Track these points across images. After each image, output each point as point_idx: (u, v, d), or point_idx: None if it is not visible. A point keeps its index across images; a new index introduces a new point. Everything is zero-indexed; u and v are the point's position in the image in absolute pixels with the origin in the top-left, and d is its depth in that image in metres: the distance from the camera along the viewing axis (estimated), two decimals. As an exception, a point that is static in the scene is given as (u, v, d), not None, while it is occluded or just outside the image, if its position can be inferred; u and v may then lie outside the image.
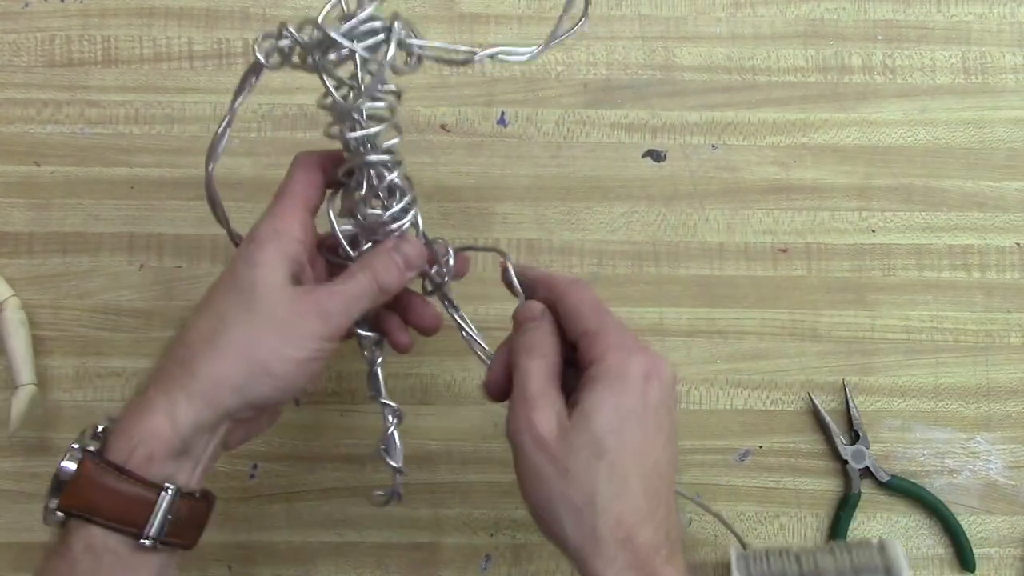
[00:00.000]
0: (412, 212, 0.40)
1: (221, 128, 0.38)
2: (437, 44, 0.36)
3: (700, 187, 0.54)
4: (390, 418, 0.41)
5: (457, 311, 0.43)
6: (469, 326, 0.43)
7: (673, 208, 0.54)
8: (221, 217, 0.41)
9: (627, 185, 0.54)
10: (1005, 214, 0.54)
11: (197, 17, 0.55)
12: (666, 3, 0.56)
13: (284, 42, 0.35)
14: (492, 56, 0.37)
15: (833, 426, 0.52)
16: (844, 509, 0.51)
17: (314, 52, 0.35)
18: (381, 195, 0.39)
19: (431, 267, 0.42)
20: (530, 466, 0.34)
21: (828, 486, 0.52)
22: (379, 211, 0.39)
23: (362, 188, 0.39)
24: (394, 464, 0.41)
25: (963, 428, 0.52)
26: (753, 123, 0.55)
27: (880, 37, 0.56)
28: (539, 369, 0.36)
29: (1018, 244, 0.54)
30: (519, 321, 0.39)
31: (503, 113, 0.55)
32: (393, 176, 0.38)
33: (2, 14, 0.55)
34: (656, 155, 0.55)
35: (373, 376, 0.42)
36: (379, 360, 0.42)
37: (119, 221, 0.53)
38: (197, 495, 0.36)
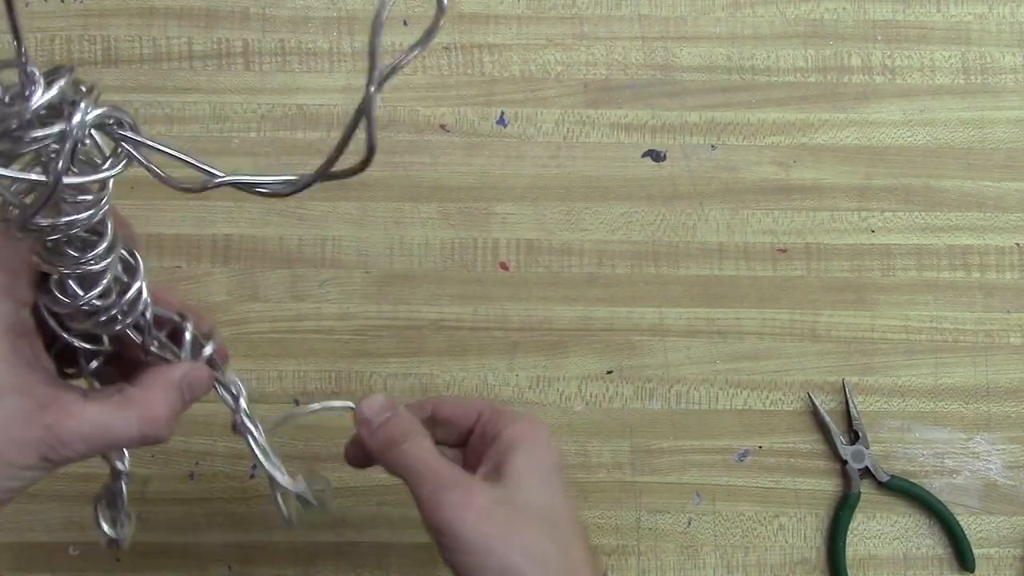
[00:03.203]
0: (141, 298, 0.32)
1: None
2: (158, 145, 0.27)
3: (700, 187, 0.54)
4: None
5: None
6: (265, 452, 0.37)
7: (673, 208, 0.54)
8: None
9: (627, 185, 0.54)
10: (1005, 214, 0.54)
11: (197, 17, 0.55)
12: (666, 3, 0.56)
13: None
14: (236, 184, 0.27)
15: (833, 426, 0.52)
16: (843, 509, 0.51)
17: None
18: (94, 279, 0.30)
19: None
20: (475, 544, 0.33)
21: (828, 486, 0.52)
22: (92, 299, 0.30)
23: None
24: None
25: (963, 428, 0.52)
26: (753, 123, 0.55)
27: (880, 37, 0.56)
28: (429, 449, 0.35)
29: (1018, 244, 0.54)
30: (367, 419, 0.36)
31: (503, 113, 0.55)
32: (104, 264, 0.30)
33: (2, 14, 0.54)
34: (656, 155, 0.55)
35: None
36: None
37: (119, 221, 0.53)
38: None
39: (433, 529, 0.34)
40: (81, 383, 0.34)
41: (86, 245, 0.29)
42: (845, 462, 0.51)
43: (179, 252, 0.53)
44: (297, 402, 0.52)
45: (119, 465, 0.38)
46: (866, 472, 0.51)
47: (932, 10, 0.56)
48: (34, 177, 0.25)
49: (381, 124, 0.54)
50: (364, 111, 0.23)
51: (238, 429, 0.37)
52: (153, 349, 0.34)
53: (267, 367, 0.52)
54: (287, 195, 0.27)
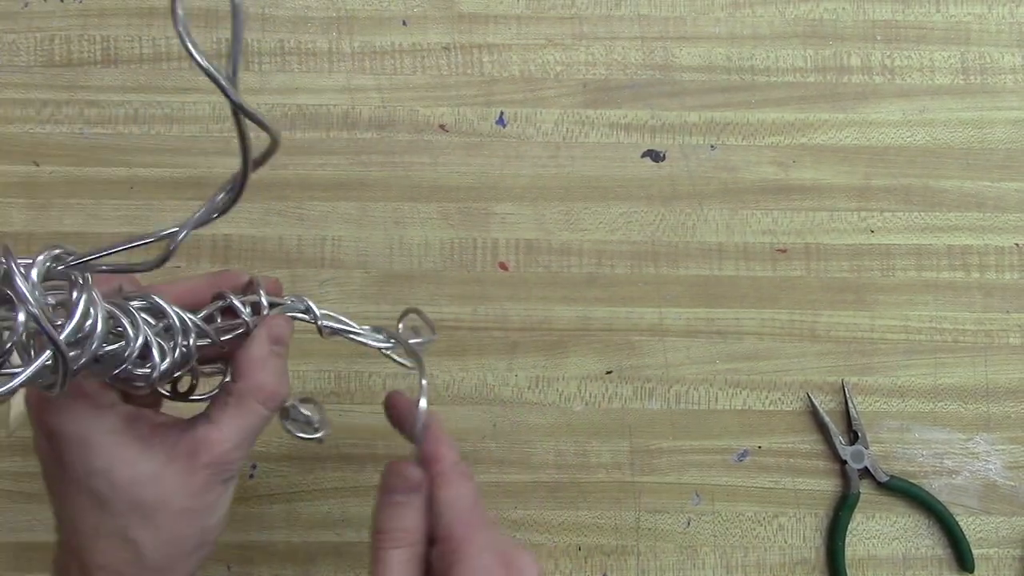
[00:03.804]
0: (185, 321, 0.32)
1: None
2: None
3: (699, 187, 0.54)
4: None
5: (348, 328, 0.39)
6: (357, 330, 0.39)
7: (672, 208, 0.54)
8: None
9: (626, 185, 0.54)
10: (1004, 214, 0.54)
11: (197, 17, 0.55)
12: (665, 3, 0.56)
13: None
14: (190, 231, 0.29)
15: (832, 426, 0.52)
16: (843, 509, 0.51)
17: None
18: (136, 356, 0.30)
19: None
20: None
21: (827, 486, 0.52)
22: (148, 370, 0.31)
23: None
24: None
25: (962, 428, 0.52)
26: (752, 123, 0.55)
27: (879, 37, 0.56)
28: (402, 563, 0.33)
29: (1017, 244, 0.54)
30: (389, 486, 0.35)
31: (502, 113, 0.55)
32: (142, 338, 0.30)
33: (2, 14, 0.55)
34: (655, 155, 0.55)
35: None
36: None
37: (119, 221, 0.53)
38: None
39: None
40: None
41: (116, 340, 0.29)
42: (844, 462, 0.51)
43: (179, 252, 0.52)
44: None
45: None
46: (865, 472, 0.51)
47: (932, 10, 0.56)
48: (40, 363, 0.24)
49: (381, 124, 0.54)
50: (234, 108, 0.24)
51: (325, 333, 0.38)
52: (225, 339, 0.35)
53: (267, 367, 0.52)
54: (232, 205, 0.28)
